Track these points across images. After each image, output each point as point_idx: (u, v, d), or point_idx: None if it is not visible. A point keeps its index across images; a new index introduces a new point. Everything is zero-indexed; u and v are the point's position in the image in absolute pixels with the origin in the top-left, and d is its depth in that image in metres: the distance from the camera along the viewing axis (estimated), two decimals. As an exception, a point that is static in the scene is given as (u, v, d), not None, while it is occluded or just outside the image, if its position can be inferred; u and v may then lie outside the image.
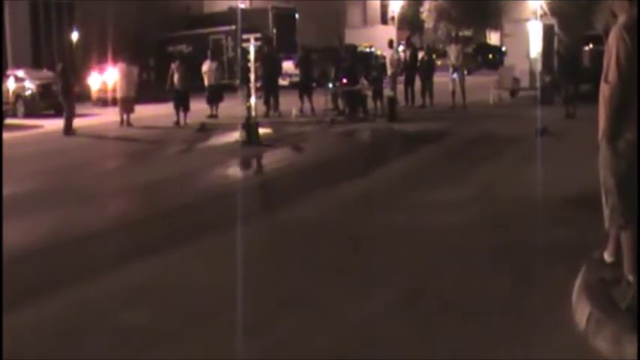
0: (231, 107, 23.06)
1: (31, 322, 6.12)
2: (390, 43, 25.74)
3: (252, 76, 18.32)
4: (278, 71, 25.74)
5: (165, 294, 6.73)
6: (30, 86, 26.89)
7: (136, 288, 6.92)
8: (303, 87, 23.86)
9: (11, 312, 6.20)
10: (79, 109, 23.80)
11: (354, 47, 32.39)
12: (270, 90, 23.03)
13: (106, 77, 28.48)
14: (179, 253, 8.04)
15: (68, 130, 20.79)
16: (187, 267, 7.58)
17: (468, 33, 56.72)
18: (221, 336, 5.67)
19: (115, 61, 24.89)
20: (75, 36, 36.00)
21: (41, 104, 26.55)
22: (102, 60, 30.48)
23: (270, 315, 6.02)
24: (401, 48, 27.05)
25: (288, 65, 31.23)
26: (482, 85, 26.23)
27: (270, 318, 5.96)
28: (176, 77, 22.33)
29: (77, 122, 21.74)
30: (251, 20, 33.05)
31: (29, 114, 25.87)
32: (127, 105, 22.75)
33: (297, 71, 25.89)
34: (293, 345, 5.47)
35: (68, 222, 9.89)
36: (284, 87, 28.91)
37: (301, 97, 23.34)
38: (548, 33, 26.03)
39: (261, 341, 5.50)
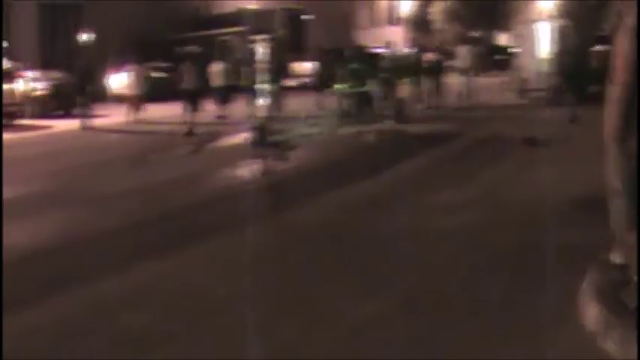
0: (239, 108, 23.10)
1: (36, 322, 6.14)
2: (388, 45, 25.74)
3: (261, 77, 18.36)
4: (282, 72, 25.82)
5: (172, 294, 6.76)
6: (40, 87, 27.00)
7: (142, 288, 6.95)
8: (321, 86, 23.94)
9: (16, 312, 6.24)
10: (96, 108, 24.03)
11: (361, 48, 32.36)
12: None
13: (122, 77, 28.70)
14: (187, 254, 8.07)
15: (87, 126, 21.32)
16: (195, 267, 7.61)
17: (477, 34, 56.58)
18: (227, 337, 5.68)
19: (128, 62, 25.07)
20: (84, 37, 36.10)
21: (51, 104, 26.69)
22: (113, 60, 30.68)
23: (276, 316, 6.03)
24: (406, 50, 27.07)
25: (298, 66, 31.29)
26: (492, 87, 26.21)
27: (276, 319, 5.97)
28: (186, 78, 22.43)
29: (90, 121, 21.94)
30: (260, 21, 33.10)
31: (39, 114, 25.98)
32: (134, 103, 22.99)
33: (307, 72, 25.99)
34: (297, 346, 5.48)
35: (77, 222, 9.94)
36: (292, 88, 28.95)
37: (318, 96, 23.36)
38: (557, 34, 25.98)
39: (267, 342, 5.50)
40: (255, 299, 6.38)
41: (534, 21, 29.78)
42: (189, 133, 19.28)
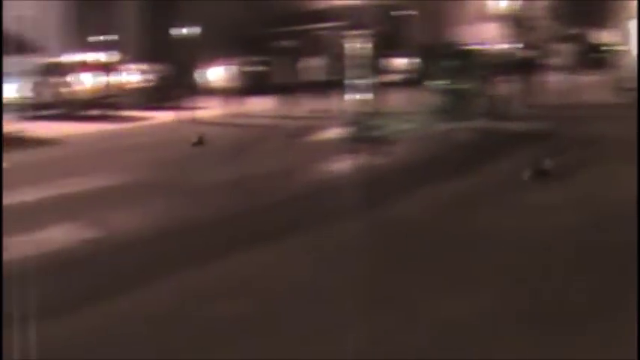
0: (334, 103, 23.20)
1: (132, 306, 6.40)
2: (481, 42, 25.50)
3: (357, 73, 18.44)
4: (379, 68, 25.91)
5: (263, 286, 6.89)
6: (142, 79, 27.76)
7: (236, 279, 7.13)
8: (417, 82, 23.96)
9: (108, 299, 6.53)
10: (194, 101, 24.59)
11: (457, 44, 32.18)
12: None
13: (219, 70, 29.35)
14: (282, 246, 8.21)
15: (185, 118, 21.85)
16: (289, 259, 7.74)
17: (575, 31, 55.44)
18: (320, 328, 5.76)
19: (225, 55, 25.57)
20: (183, 31, 36.84)
21: (152, 96, 27.38)
22: (211, 54, 31.22)
23: (369, 309, 6.07)
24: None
25: (394, 62, 31.30)
26: (590, 85, 25.69)
27: (368, 312, 6.00)
28: (282, 72, 22.73)
29: (188, 113, 22.37)
30: (357, 17, 33.17)
31: (139, 106, 26.63)
32: (231, 96, 23.42)
33: (404, 68, 26.05)
34: (388, 340, 5.52)
35: (177, 211, 10.23)
36: (389, 84, 28.98)
37: (414, 93, 23.37)
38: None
39: (360, 335, 5.55)
40: (348, 292, 6.45)
41: (635, 18, 29.11)
42: (199, 142, 17.32)
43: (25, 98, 25.15)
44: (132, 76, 28.07)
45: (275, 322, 5.95)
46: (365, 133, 16.58)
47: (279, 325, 5.88)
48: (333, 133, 17.82)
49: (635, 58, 25.53)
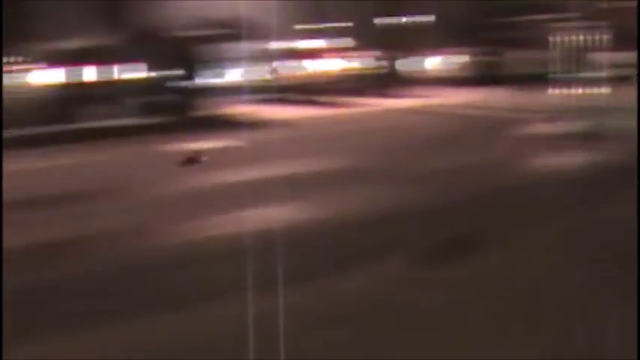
0: (551, 96, 22.76)
1: (343, 288, 6.78)
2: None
3: (576, 67, 18.09)
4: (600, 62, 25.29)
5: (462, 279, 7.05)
6: (371, 66, 28.56)
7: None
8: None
9: (324, 278, 6.99)
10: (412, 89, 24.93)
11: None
12: None
13: (438, 60, 29.59)
14: (487, 242, 8.35)
15: (407, 107, 22.60)
16: (493, 257, 7.81)
17: None
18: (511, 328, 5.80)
19: (449, 45, 25.71)
20: (402, 20, 37.23)
21: (381, 83, 28.01)
22: (435, 44, 31.43)
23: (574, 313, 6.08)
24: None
25: (617, 56, 30.29)
26: None
27: (571, 316, 6.02)
28: (504, 64, 22.64)
29: (410, 102, 22.71)
30: (582, 10, 32.36)
31: (366, 92, 27.15)
32: (452, 86, 23.58)
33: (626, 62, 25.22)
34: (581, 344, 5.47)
35: (388, 198, 10.65)
36: (610, 79, 28.13)
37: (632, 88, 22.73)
38: None
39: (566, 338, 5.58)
40: (558, 292, 6.54)
41: None
42: (192, 160, 14.57)
43: (257, 81, 26.47)
44: (362, 62, 28.78)
45: (468, 316, 6.05)
46: (582, 129, 16.32)
47: (471, 320, 5.97)
48: (549, 127, 17.65)
49: None
